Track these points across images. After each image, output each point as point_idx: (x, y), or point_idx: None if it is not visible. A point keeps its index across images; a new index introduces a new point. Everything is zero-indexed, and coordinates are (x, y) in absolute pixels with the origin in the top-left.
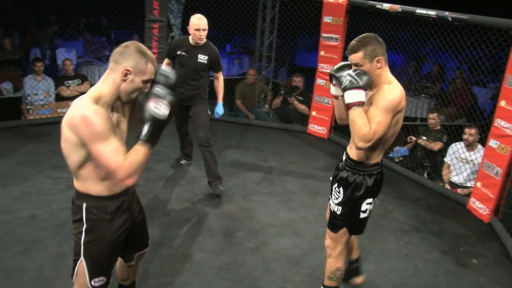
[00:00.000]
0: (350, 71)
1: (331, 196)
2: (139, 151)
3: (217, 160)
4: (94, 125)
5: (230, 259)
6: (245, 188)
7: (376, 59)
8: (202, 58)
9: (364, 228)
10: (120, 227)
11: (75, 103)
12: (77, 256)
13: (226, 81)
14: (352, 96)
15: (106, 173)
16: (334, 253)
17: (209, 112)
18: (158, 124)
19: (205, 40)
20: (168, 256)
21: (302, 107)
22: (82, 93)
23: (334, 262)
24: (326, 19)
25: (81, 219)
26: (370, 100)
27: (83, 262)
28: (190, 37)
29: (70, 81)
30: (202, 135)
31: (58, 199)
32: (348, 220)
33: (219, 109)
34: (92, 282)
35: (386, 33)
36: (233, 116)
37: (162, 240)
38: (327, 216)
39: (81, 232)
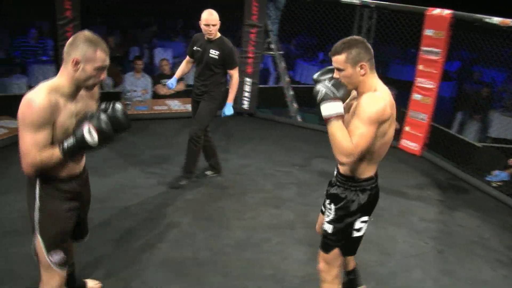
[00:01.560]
0: (326, 82)
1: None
2: (53, 156)
3: (199, 159)
4: (33, 113)
5: (315, 270)
6: None
7: (359, 64)
8: (213, 53)
9: (357, 249)
10: (69, 207)
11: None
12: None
13: None
14: (329, 108)
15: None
16: (328, 277)
17: (212, 109)
18: (83, 147)
19: (216, 35)
20: (251, 260)
21: None
22: (178, 92)
23: (330, 287)
24: (428, 32)
25: (35, 197)
26: (353, 110)
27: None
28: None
29: (166, 80)
30: (194, 129)
31: (150, 193)
32: (340, 240)
33: (227, 110)
34: (52, 258)
35: (489, 48)
36: (323, 125)
37: (247, 244)
38: (318, 229)
39: (34, 209)
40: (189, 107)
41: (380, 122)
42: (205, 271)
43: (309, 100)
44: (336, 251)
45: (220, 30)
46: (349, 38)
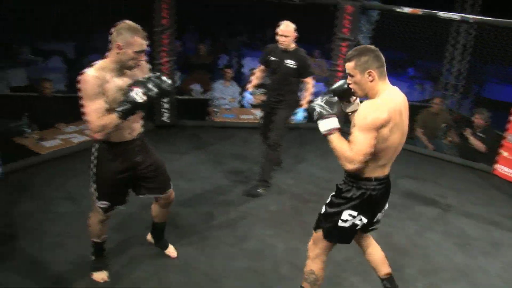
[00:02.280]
0: (319, 101)
1: None
2: (111, 120)
3: (273, 167)
4: (87, 85)
5: None
6: (418, 223)
7: (367, 71)
8: (290, 63)
9: (345, 240)
10: (118, 168)
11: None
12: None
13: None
14: (325, 125)
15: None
16: (311, 254)
17: (289, 117)
18: (134, 106)
19: (292, 46)
20: (332, 278)
21: (477, 143)
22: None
23: (309, 264)
24: None
25: (92, 156)
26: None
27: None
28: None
29: (255, 90)
30: (273, 136)
31: (234, 201)
32: (326, 222)
33: (300, 114)
34: (98, 203)
35: None
36: (411, 144)
37: (328, 261)
38: None
39: (91, 165)
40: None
41: (377, 128)
42: (286, 285)
43: None
44: (321, 233)
45: (308, 42)
46: (361, 46)
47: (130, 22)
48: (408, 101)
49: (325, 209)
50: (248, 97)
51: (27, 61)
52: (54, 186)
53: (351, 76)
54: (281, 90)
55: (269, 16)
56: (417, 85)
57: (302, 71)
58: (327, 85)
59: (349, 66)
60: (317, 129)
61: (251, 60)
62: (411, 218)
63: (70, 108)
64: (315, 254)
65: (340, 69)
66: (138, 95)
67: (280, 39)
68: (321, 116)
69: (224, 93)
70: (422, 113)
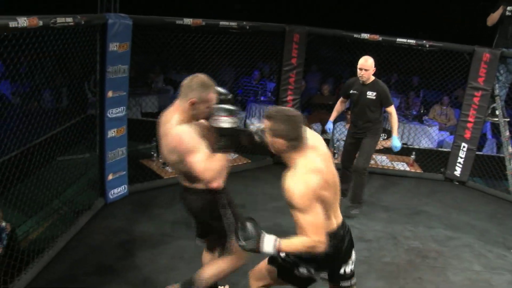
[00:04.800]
0: (243, 235)
1: None
2: (218, 159)
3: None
4: (189, 138)
5: None
6: None
7: (277, 137)
8: (370, 94)
9: (301, 286)
10: None
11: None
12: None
13: None
14: (266, 247)
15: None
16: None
17: (376, 143)
18: (228, 134)
19: (371, 79)
20: None
21: None
22: (385, 147)
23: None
24: None
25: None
26: None
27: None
28: None
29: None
30: (361, 162)
31: None
32: (284, 263)
33: (395, 142)
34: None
35: None
36: None
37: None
38: None
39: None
40: (397, 164)
41: (317, 198)
42: None
43: None
44: (272, 269)
45: (436, 89)
46: (286, 111)
47: (203, 77)
48: None
49: (285, 255)
50: (330, 127)
51: (159, 89)
52: (173, 209)
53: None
54: (365, 121)
55: (396, 61)
56: None
57: (383, 101)
58: (453, 134)
59: (266, 123)
60: (436, 181)
61: None
62: None
63: None
64: (260, 282)
65: (470, 119)
66: (226, 122)
67: (360, 73)
68: (255, 244)
69: (344, 135)
70: None
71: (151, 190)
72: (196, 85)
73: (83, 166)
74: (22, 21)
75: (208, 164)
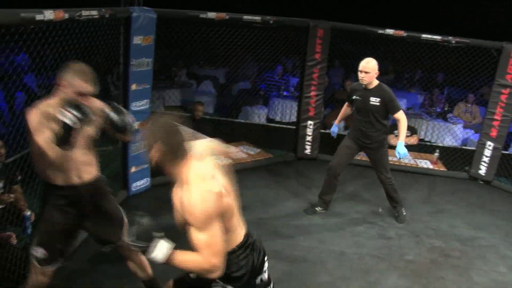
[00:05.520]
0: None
1: None
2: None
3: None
4: (31, 120)
5: None
6: None
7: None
8: (374, 100)
9: None
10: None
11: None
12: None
13: None
14: (157, 253)
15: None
16: None
17: (387, 153)
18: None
19: (373, 83)
20: None
21: None
22: (412, 145)
23: None
24: None
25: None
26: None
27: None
28: None
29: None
30: (385, 177)
31: (365, 244)
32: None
33: (400, 149)
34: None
35: None
36: None
37: None
38: None
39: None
40: (420, 162)
41: (219, 215)
42: None
43: None
44: None
45: (461, 86)
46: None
47: (83, 65)
48: None
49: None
50: (334, 130)
51: (182, 83)
52: None
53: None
54: (370, 128)
55: (420, 58)
56: None
57: (388, 108)
58: (479, 132)
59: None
60: (460, 179)
61: (399, 100)
62: None
63: (216, 131)
64: None
65: (497, 117)
66: (70, 119)
67: (360, 75)
68: (148, 244)
69: None
70: None
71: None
72: (73, 70)
73: (106, 158)
74: (48, 14)
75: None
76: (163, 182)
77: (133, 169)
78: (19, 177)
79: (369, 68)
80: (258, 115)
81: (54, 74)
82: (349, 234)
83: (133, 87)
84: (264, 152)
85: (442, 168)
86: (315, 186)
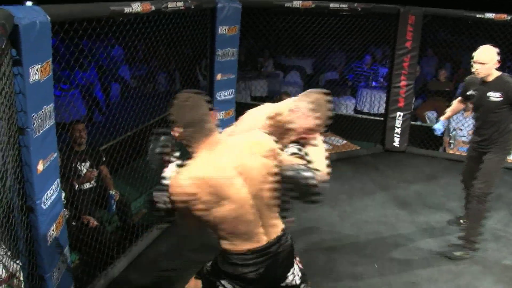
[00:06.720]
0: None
1: None
2: None
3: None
4: None
5: None
6: None
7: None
8: (493, 95)
9: None
10: None
11: None
12: None
13: None
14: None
15: None
16: None
17: (502, 162)
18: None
19: (492, 75)
20: None
21: None
22: None
23: None
24: None
25: None
26: None
27: None
28: None
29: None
30: (478, 185)
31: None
32: (209, 276)
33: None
34: None
35: None
36: None
37: None
38: None
39: None
40: None
41: (184, 203)
42: None
43: None
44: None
45: None
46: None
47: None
48: None
49: (210, 266)
50: (439, 128)
51: (269, 74)
52: None
53: None
54: (490, 129)
55: None
56: None
57: None
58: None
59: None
60: None
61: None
62: None
63: None
64: None
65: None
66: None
67: (474, 67)
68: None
69: (462, 124)
70: None
71: None
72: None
73: None
74: (136, 7)
75: None
76: None
77: None
78: (104, 158)
79: (485, 58)
80: (346, 106)
81: (144, 66)
82: (439, 232)
83: (218, 77)
84: (350, 143)
85: None
86: (403, 180)
